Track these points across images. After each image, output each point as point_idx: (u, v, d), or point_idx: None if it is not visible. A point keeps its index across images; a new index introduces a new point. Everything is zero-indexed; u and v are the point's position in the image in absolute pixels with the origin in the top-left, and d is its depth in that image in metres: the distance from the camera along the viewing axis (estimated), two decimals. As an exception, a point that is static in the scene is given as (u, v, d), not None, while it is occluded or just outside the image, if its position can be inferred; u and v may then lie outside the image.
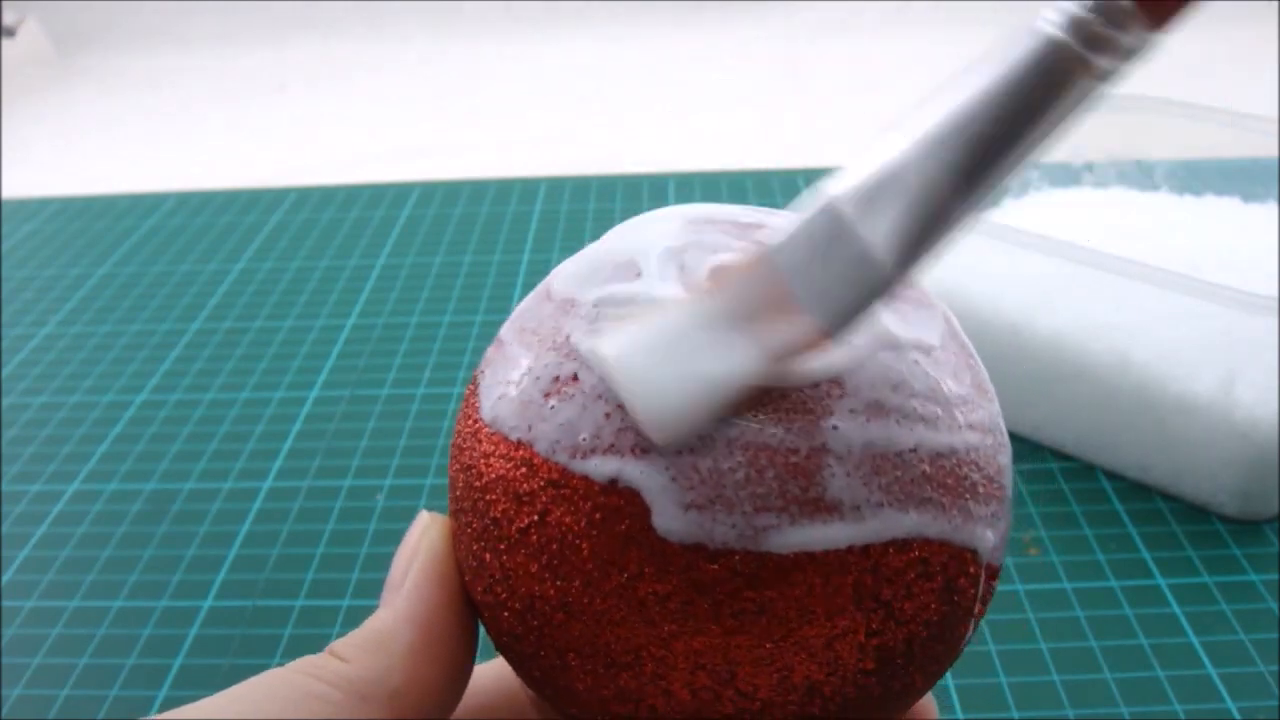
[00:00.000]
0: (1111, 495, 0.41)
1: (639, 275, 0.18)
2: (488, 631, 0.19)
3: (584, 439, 0.17)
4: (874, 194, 0.16)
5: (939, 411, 0.17)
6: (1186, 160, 0.50)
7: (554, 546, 0.17)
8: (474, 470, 0.18)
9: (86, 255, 0.66)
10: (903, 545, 0.16)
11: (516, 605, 0.17)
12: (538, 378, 0.17)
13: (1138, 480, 0.42)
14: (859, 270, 0.15)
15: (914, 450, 0.17)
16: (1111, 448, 0.42)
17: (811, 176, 0.70)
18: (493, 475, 0.18)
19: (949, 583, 0.17)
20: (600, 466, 0.16)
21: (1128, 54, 0.15)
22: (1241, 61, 0.90)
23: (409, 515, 0.21)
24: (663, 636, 0.16)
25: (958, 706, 0.33)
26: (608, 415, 0.17)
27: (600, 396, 0.17)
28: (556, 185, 0.72)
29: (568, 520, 0.17)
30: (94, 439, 0.49)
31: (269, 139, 0.91)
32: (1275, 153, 0.47)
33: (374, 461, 0.45)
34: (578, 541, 0.16)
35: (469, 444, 0.19)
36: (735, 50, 1.06)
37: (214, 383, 0.52)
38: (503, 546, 0.17)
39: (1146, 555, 0.38)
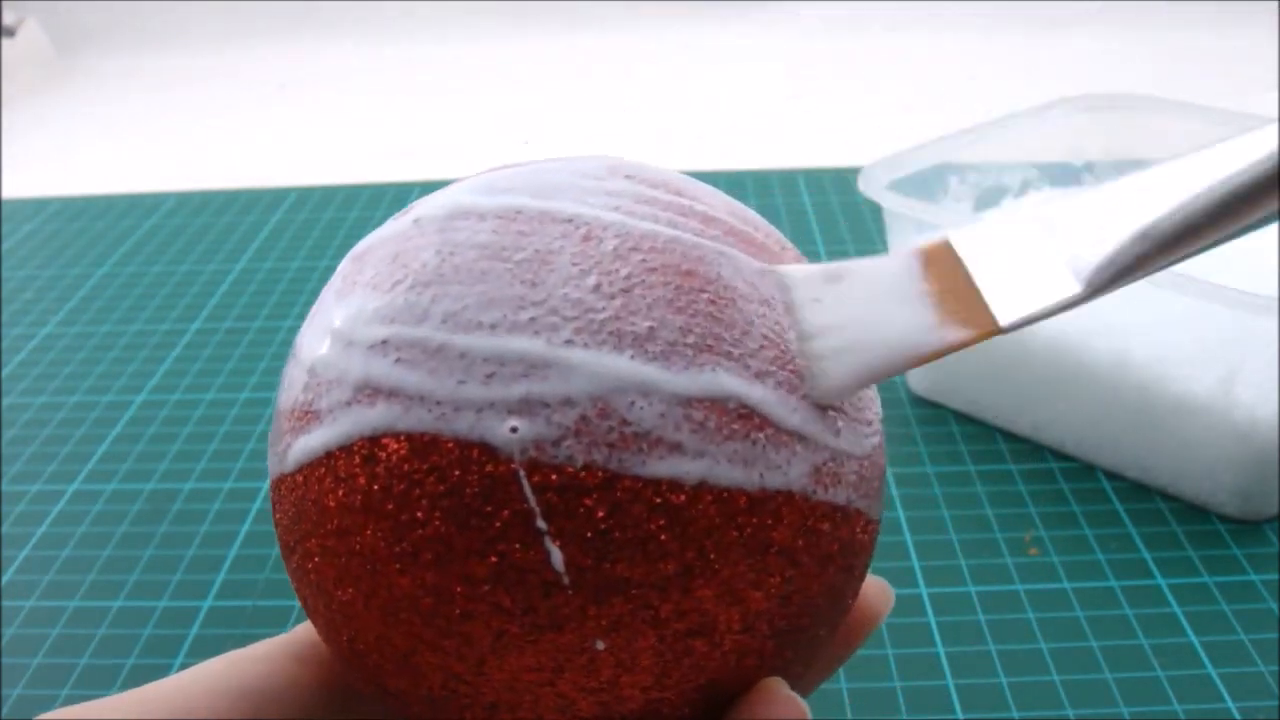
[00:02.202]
0: (1111, 495, 0.41)
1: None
2: None
3: None
4: (1090, 223, 0.17)
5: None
6: (1186, 160, 0.50)
7: None
8: None
9: (86, 255, 0.66)
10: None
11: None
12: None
13: (1138, 480, 0.42)
14: (1056, 288, 0.17)
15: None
16: (1111, 448, 0.42)
17: (812, 176, 0.70)
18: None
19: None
20: None
21: None
22: (1241, 61, 0.90)
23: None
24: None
25: (958, 706, 0.33)
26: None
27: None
28: (556, 185, 0.72)
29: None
30: (94, 439, 0.49)
31: (269, 139, 0.91)
32: (1275, 153, 0.47)
33: (374, 461, 0.45)
34: None
35: None
36: (735, 50, 1.06)
37: (214, 383, 0.52)
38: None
39: (1146, 555, 0.38)
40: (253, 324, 0.57)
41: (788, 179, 0.70)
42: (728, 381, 0.16)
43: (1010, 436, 0.45)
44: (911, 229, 0.47)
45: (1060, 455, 0.44)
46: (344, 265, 0.19)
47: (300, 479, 0.17)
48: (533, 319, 0.16)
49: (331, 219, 0.69)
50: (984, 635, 0.35)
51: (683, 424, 0.16)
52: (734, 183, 0.70)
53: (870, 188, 0.45)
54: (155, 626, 0.38)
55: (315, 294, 0.60)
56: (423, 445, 0.16)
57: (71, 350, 0.56)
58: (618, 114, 0.92)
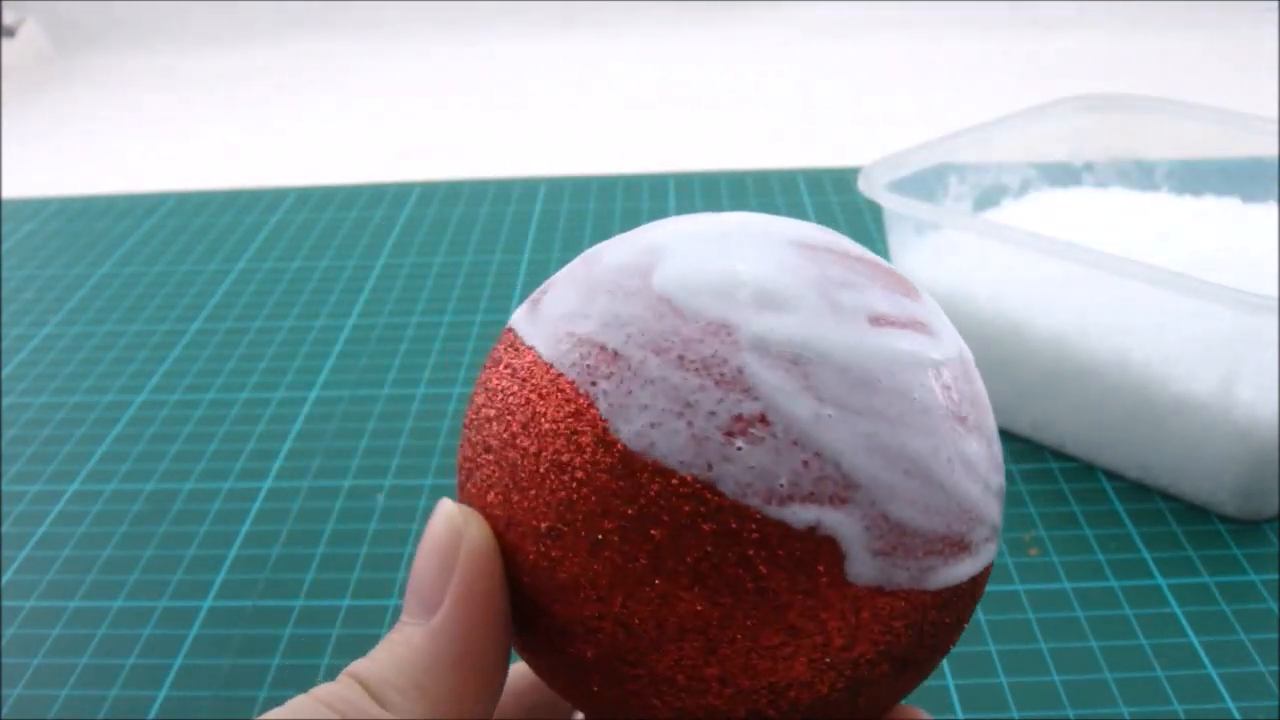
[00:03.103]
0: (1111, 495, 0.41)
1: (787, 307, 0.18)
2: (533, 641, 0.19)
3: (781, 485, 0.17)
4: None
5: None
6: (1186, 160, 0.50)
7: (749, 585, 0.17)
8: (608, 490, 0.17)
9: (86, 255, 0.66)
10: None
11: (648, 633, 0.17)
12: (712, 413, 0.17)
13: (1138, 480, 0.42)
14: None
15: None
16: (1111, 448, 0.42)
17: (812, 176, 0.70)
18: (647, 504, 0.17)
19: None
20: (799, 514, 0.17)
21: None
22: (1241, 61, 0.90)
23: (409, 515, 0.21)
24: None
25: (958, 706, 0.33)
26: (805, 463, 0.17)
27: (796, 442, 0.17)
28: (556, 185, 0.72)
29: (762, 566, 0.17)
30: (94, 439, 0.49)
31: (269, 139, 0.91)
32: (1275, 153, 0.47)
33: (374, 461, 0.45)
34: (767, 583, 0.17)
35: (597, 461, 0.17)
36: (736, 50, 1.06)
37: (214, 383, 0.52)
38: (661, 582, 0.17)
39: (1146, 555, 0.38)
40: (253, 324, 0.57)
41: (788, 179, 0.70)
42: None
43: (1010, 436, 0.45)
44: (911, 229, 0.47)
45: (1060, 455, 0.44)
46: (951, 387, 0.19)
47: (937, 599, 0.18)
48: None
49: (331, 219, 0.69)
50: (984, 635, 0.35)
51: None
52: (734, 183, 0.70)
53: (870, 188, 0.45)
54: (155, 626, 0.38)
55: (315, 294, 0.60)
56: None
57: (71, 350, 0.56)
58: (618, 114, 0.92)
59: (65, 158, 0.90)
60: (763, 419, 0.17)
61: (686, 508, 0.17)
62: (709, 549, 0.17)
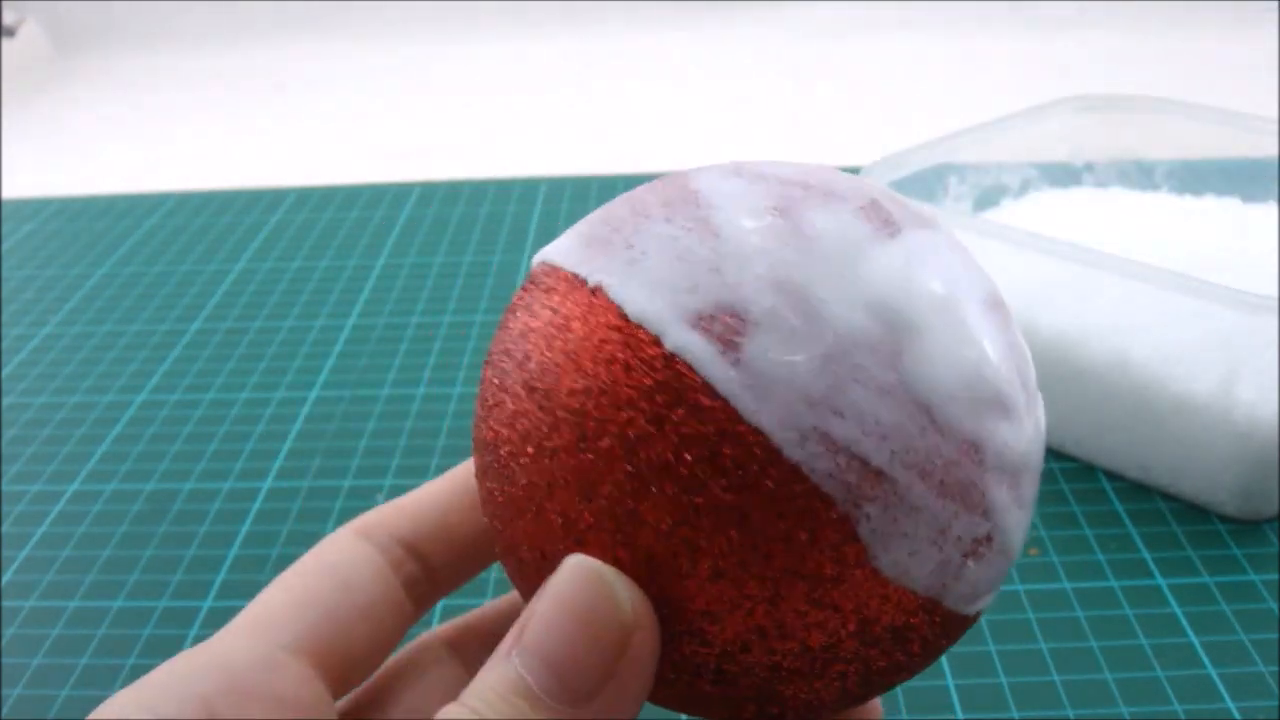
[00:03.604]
0: (1111, 495, 0.41)
1: (1014, 414, 0.18)
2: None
3: (986, 592, 0.18)
4: None
5: None
6: (1186, 160, 0.50)
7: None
8: (841, 608, 0.17)
9: (86, 255, 0.66)
10: None
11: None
12: (959, 538, 0.17)
13: (1138, 480, 0.42)
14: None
15: None
16: (1111, 448, 0.42)
17: (811, 176, 0.70)
18: (884, 621, 0.17)
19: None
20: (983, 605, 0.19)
21: None
22: (1241, 61, 0.90)
23: (409, 515, 0.21)
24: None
25: (958, 706, 0.33)
26: (1001, 570, 0.18)
27: (1003, 553, 0.18)
28: (556, 185, 0.72)
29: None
30: (94, 439, 0.49)
31: (269, 139, 0.91)
32: (1275, 153, 0.47)
33: (374, 461, 0.45)
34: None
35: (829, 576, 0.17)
36: (736, 50, 1.06)
37: (214, 383, 0.52)
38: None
39: (1146, 555, 0.38)
40: (253, 324, 0.57)
41: (788, 179, 0.70)
42: None
43: (1010, 436, 0.45)
44: (911, 229, 0.47)
45: (1060, 455, 0.44)
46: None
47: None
48: None
49: (331, 219, 0.69)
50: (984, 635, 0.35)
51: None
52: (734, 183, 0.70)
53: (870, 188, 0.45)
54: (155, 626, 0.38)
55: (315, 294, 0.60)
56: None
57: (71, 350, 0.56)
58: (618, 114, 0.92)
59: (65, 158, 0.90)
60: (989, 538, 0.17)
61: (915, 620, 0.17)
62: (916, 653, 0.18)
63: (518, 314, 0.19)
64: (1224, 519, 0.40)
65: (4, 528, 0.43)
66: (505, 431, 0.18)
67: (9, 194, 0.79)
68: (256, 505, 0.44)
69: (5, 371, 0.54)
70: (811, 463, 0.16)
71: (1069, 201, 0.50)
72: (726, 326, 0.16)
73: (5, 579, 0.41)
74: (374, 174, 0.77)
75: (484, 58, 1.08)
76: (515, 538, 0.18)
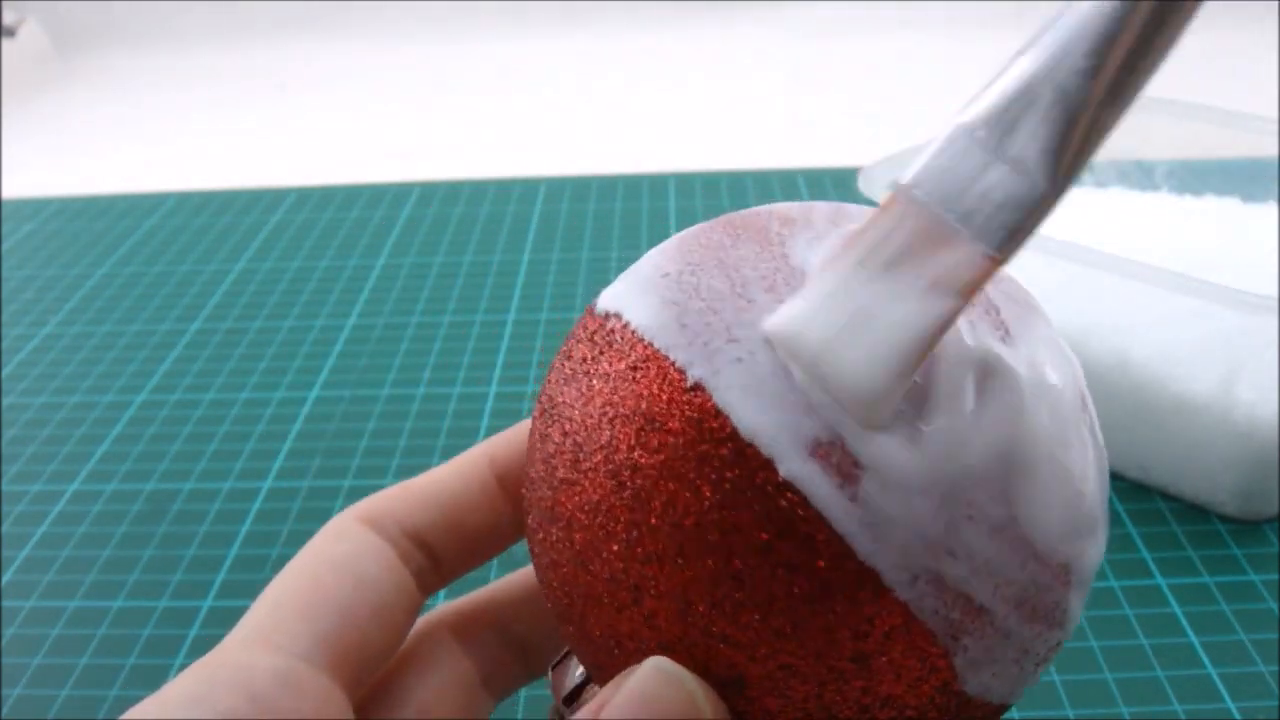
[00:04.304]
0: (1112, 495, 0.41)
1: (1097, 531, 0.18)
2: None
3: (1034, 678, 0.18)
4: (1010, 113, 0.15)
5: None
6: (1186, 160, 0.50)
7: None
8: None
9: (86, 255, 0.66)
10: None
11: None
12: (1039, 654, 0.17)
13: (1138, 480, 0.42)
14: (1016, 189, 0.15)
15: None
16: (1111, 448, 0.42)
17: (812, 176, 0.70)
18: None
19: None
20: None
21: None
22: (1241, 61, 0.90)
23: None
24: None
25: (958, 706, 0.33)
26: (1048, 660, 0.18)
27: (1058, 646, 0.18)
28: (556, 185, 0.72)
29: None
30: (94, 439, 0.49)
31: (269, 139, 0.91)
32: (1275, 153, 0.47)
33: (374, 461, 0.45)
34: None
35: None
36: (736, 50, 1.06)
37: (214, 383, 0.52)
38: None
39: (1146, 555, 0.38)
40: (253, 324, 0.57)
41: (788, 179, 0.70)
42: None
43: (1010, 436, 0.45)
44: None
45: (1060, 455, 0.43)
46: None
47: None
48: None
49: (331, 219, 0.69)
50: (984, 635, 0.35)
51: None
52: (734, 183, 0.70)
53: (870, 188, 0.45)
54: (155, 626, 0.38)
55: (315, 294, 0.60)
56: None
57: (71, 350, 0.56)
58: (617, 114, 0.92)
59: (65, 158, 0.90)
60: (1059, 644, 0.18)
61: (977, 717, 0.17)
62: None
63: (593, 380, 0.17)
64: (1224, 519, 0.40)
65: (4, 528, 0.43)
66: (583, 518, 0.17)
67: (9, 194, 0.79)
68: (256, 505, 0.43)
69: (5, 371, 0.54)
70: (919, 601, 0.15)
71: (1069, 201, 0.50)
72: (845, 456, 0.15)
73: (5, 579, 0.41)
74: (374, 174, 0.77)
75: (484, 58, 1.08)
76: (585, 616, 0.17)
